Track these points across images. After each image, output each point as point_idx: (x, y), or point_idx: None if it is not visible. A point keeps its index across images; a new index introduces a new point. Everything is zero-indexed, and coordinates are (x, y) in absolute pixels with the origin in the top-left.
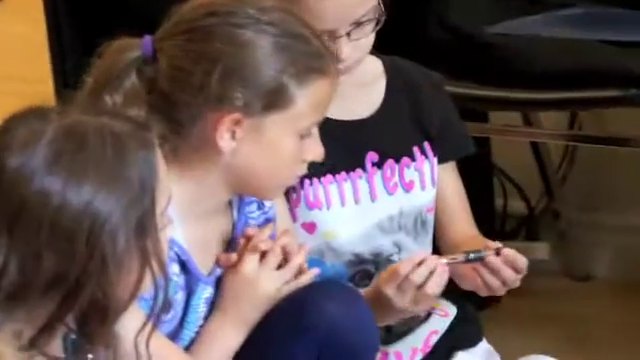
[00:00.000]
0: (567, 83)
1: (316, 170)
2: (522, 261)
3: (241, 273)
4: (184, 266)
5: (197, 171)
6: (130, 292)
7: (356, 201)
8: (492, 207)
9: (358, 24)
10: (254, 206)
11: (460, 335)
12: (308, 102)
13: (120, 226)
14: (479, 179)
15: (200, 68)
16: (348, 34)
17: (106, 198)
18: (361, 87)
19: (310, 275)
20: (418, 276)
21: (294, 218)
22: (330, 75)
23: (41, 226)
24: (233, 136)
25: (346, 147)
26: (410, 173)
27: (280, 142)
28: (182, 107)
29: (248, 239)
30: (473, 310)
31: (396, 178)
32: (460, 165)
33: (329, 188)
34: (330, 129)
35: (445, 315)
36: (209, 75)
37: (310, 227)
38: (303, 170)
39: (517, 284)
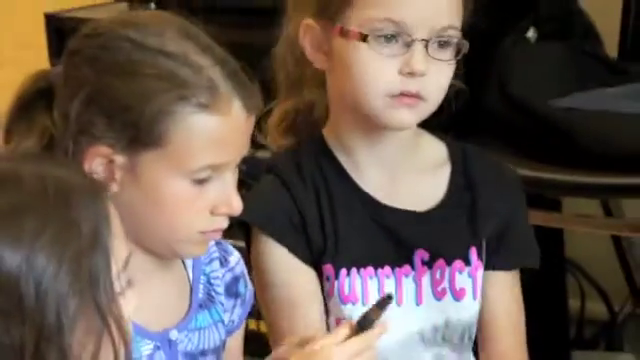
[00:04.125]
0: None
1: (355, 258)
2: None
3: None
4: None
5: None
6: None
7: (398, 302)
8: (566, 310)
9: (438, 37)
10: (216, 263)
11: None
12: (188, 140)
13: (69, 282)
14: (551, 277)
15: (66, 92)
16: (426, 45)
17: (50, 252)
18: (419, 174)
19: None
20: None
21: (327, 312)
22: (222, 112)
23: None
24: (112, 178)
25: (395, 239)
26: (462, 279)
27: (164, 186)
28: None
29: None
30: None
31: (445, 283)
32: None
33: (368, 282)
34: (379, 214)
35: None
36: (71, 100)
37: None
38: (219, 223)
39: None
